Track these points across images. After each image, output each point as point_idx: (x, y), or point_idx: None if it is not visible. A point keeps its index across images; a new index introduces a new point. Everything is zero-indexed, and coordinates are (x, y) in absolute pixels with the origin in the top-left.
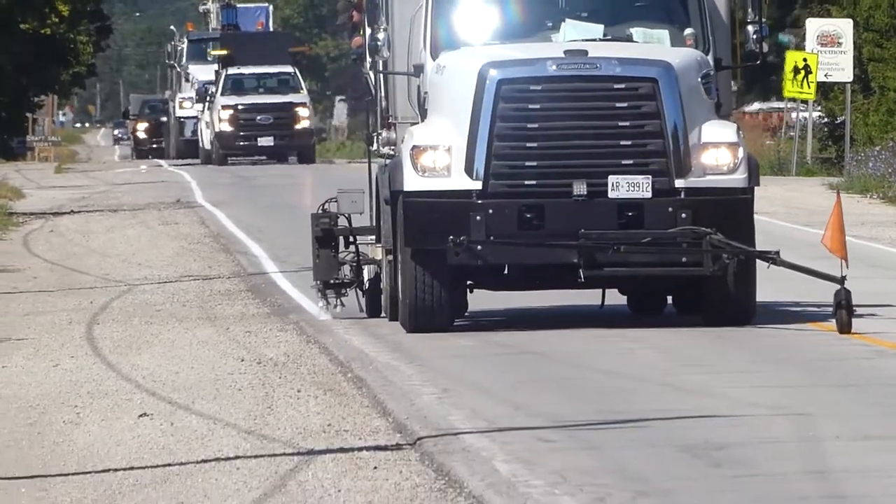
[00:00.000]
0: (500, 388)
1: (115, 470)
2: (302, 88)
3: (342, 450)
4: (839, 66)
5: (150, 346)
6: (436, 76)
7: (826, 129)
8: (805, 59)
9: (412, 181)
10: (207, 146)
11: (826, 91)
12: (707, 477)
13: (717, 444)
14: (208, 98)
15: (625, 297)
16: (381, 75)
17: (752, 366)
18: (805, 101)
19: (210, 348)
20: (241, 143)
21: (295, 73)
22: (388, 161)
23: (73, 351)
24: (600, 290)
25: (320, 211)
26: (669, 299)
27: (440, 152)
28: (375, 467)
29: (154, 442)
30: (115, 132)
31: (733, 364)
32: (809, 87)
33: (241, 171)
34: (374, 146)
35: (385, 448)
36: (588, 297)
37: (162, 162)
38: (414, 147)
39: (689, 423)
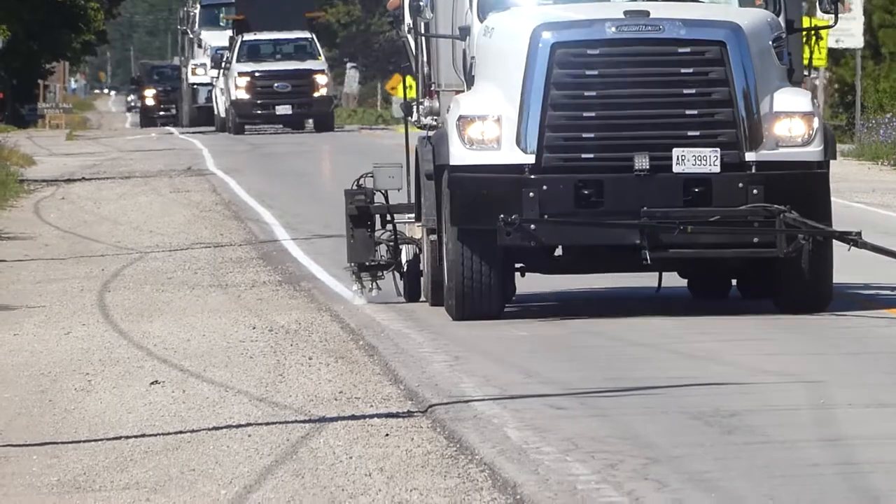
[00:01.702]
0: (511, 355)
1: (127, 437)
2: (320, 55)
3: (353, 417)
4: (850, 33)
5: (161, 314)
6: (483, 39)
7: (837, 97)
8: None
9: (459, 154)
10: (223, 114)
11: (837, 58)
12: (718, 444)
13: (729, 412)
14: (223, 65)
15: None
16: (423, 39)
17: (765, 333)
18: (816, 69)
19: (221, 316)
20: (259, 112)
21: (312, 39)
22: (429, 133)
23: (84, 318)
24: (656, 272)
25: (355, 187)
26: (734, 282)
27: (489, 123)
28: (387, 434)
29: (165, 409)
30: (129, 99)
31: (745, 331)
32: (820, 53)
33: (253, 139)
34: (414, 116)
35: (396, 415)
36: (638, 280)
37: (173, 129)
38: (460, 117)
39: (700, 391)
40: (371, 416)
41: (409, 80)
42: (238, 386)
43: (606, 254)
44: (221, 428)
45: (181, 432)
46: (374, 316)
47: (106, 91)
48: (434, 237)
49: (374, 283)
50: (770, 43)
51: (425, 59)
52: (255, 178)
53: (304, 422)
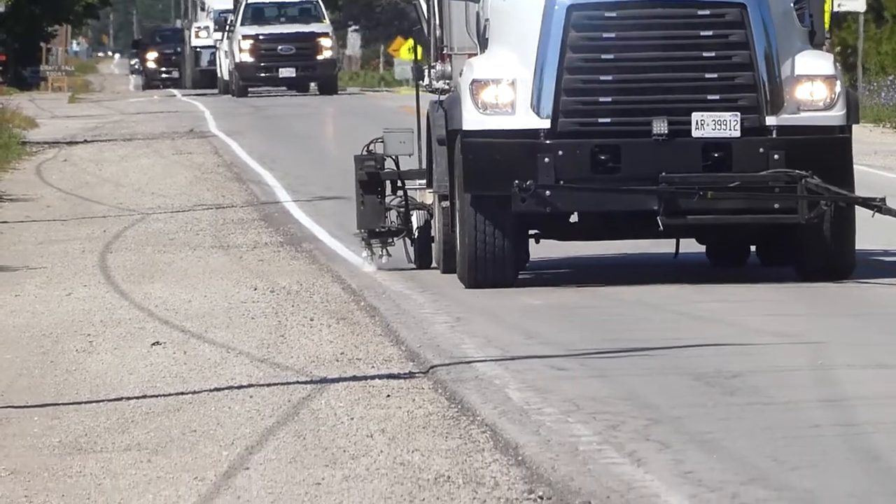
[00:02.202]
0: (512, 316)
1: (128, 398)
2: (324, 18)
3: (355, 378)
4: None
5: (162, 275)
6: (498, 1)
7: (839, 59)
8: None
9: (472, 119)
10: (226, 77)
11: (839, 21)
12: (720, 405)
13: (731, 373)
14: (227, 27)
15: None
16: (435, 1)
17: (766, 294)
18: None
19: (223, 277)
20: (262, 74)
21: (317, 1)
22: (441, 97)
23: (85, 280)
24: (674, 238)
25: (365, 152)
26: (753, 248)
27: (503, 87)
28: (388, 395)
29: (167, 370)
30: (132, 62)
31: (748, 293)
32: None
33: (256, 102)
34: (426, 80)
35: (398, 376)
36: (655, 245)
37: (175, 91)
38: (474, 81)
39: (702, 352)
40: (372, 378)
41: (411, 42)
42: (239, 347)
43: (623, 220)
44: (223, 389)
45: (182, 393)
46: (375, 277)
47: (109, 54)
48: (446, 203)
49: (384, 250)
50: (791, 5)
51: (437, 21)
52: (257, 140)
53: (305, 383)
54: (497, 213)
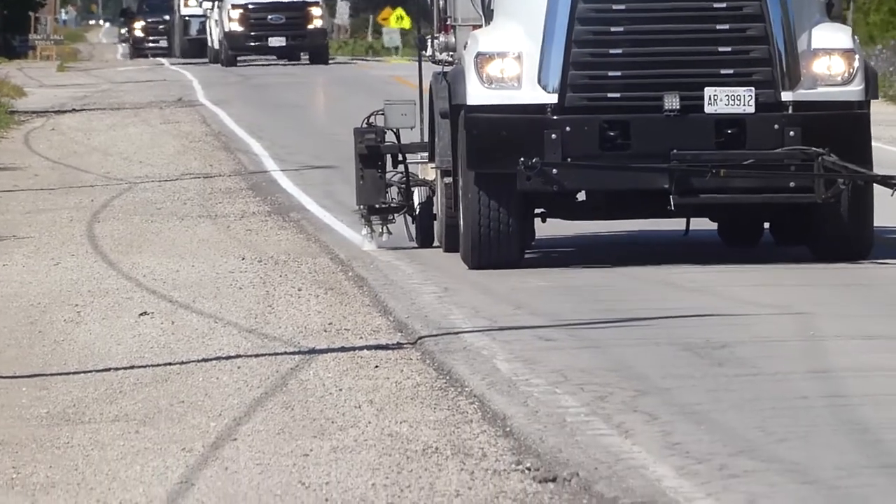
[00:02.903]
0: (500, 287)
1: (116, 369)
2: None
3: (343, 349)
4: None
5: (150, 245)
6: None
7: None
8: None
9: (477, 93)
10: (216, 46)
11: None
12: (708, 376)
13: (719, 343)
14: None
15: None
16: None
17: (755, 264)
18: None
19: (211, 247)
20: (252, 44)
21: None
22: (445, 68)
23: (73, 249)
24: (685, 217)
25: (364, 125)
26: (766, 226)
27: (509, 60)
28: (376, 366)
29: (154, 340)
30: (121, 31)
31: (736, 262)
32: None
33: (244, 71)
34: (429, 51)
35: (386, 347)
36: (666, 222)
37: (164, 61)
38: (479, 54)
39: (690, 322)
40: (360, 348)
41: (400, 11)
42: (227, 317)
43: (633, 199)
44: (211, 360)
45: (170, 364)
46: (363, 247)
47: (100, 22)
48: (449, 179)
49: (384, 227)
50: None
51: None
52: (245, 109)
53: (293, 353)
54: (502, 192)
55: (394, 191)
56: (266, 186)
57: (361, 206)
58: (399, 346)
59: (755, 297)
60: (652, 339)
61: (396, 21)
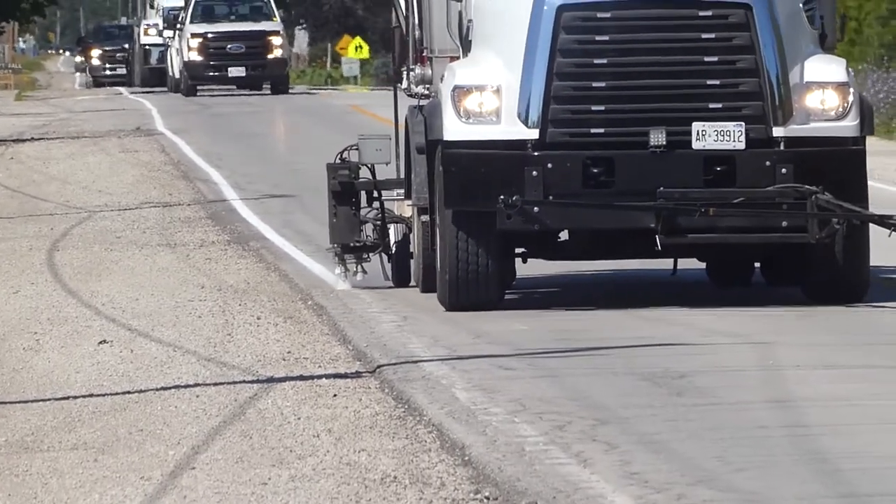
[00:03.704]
0: (459, 316)
1: (75, 397)
2: (275, 16)
3: (302, 377)
4: None
5: (110, 273)
6: (482, 2)
7: None
8: None
9: (454, 128)
10: (177, 75)
11: None
12: (667, 405)
13: (678, 373)
14: (178, 25)
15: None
16: (414, 0)
17: (714, 294)
18: None
19: (170, 275)
20: (211, 73)
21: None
22: (421, 102)
23: (33, 277)
24: (672, 258)
25: (338, 160)
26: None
27: (488, 94)
28: (335, 395)
29: (113, 369)
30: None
31: (695, 292)
32: None
33: (203, 100)
34: (404, 84)
35: (345, 376)
36: (655, 262)
37: (122, 90)
38: (456, 87)
39: (650, 352)
40: (319, 377)
41: (358, 40)
42: (186, 346)
43: (618, 239)
44: (169, 388)
45: (129, 392)
46: (322, 276)
47: (60, 51)
48: (426, 217)
49: (359, 267)
50: (800, 5)
51: (416, 21)
52: (204, 138)
53: (252, 382)
54: (480, 231)
55: (369, 228)
56: (225, 215)
57: (335, 245)
58: (358, 374)
59: (715, 327)
60: (611, 369)
61: (355, 51)
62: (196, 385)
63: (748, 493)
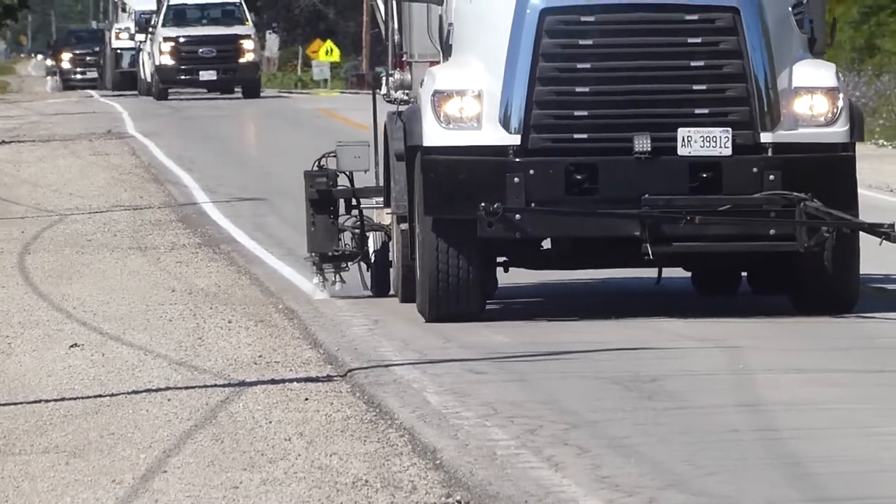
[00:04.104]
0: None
1: (46, 401)
2: (247, 20)
3: (273, 381)
4: None
5: (81, 276)
6: (463, 4)
7: None
8: None
9: (434, 134)
10: (149, 78)
11: None
12: (638, 409)
13: (649, 377)
14: (150, 29)
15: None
16: (393, 2)
17: (684, 298)
18: None
19: (141, 278)
20: (183, 77)
21: (240, 3)
22: (401, 108)
23: (3, 281)
24: (655, 267)
25: (316, 167)
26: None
27: (468, 99)
28: (306, 399)
29: (85, 373)
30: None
31: (665, 297)
32: None
33: (174, 103)
34: (384, 90)
35: (316, 380)
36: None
37: (93, 93)
38: (436, 92)
39: (620, 356)
40: (290, 381)
41: (329, 44)
42: (157, 349)
43: (601, 247)
44: (140, 392)
45: (100, 396)
46: (293, 279)
47: (32, 55)
48: (405, 226)
49: (337, 276)
50: (789, 9)
51: (396, 25)
52: (175, 141)
53: (223, 386)
54: (461, 239)
55: (347, 237)
56: (196, 218)
57: (313, 254)
58: (329, 378)
59: (685, 331)
60: (582, 373)
61: (326, 54)
62: (167, 389)
63: (719, 496)
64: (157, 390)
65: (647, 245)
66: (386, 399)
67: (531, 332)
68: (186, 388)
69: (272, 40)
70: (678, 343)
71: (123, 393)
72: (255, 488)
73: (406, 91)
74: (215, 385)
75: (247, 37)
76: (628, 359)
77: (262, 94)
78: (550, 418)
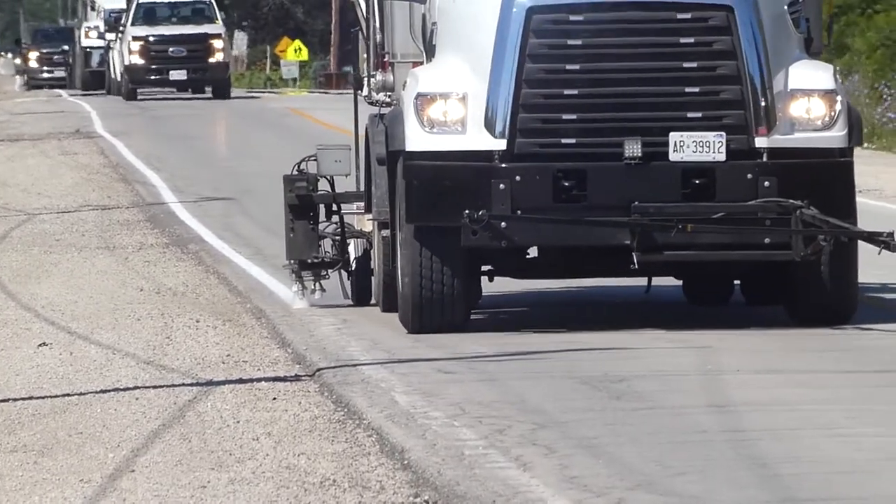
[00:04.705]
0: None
1: (15, 400)
2: (217, 19)
3: (241, 381)
4: None
5: (49, 276)
6: (447, 2)
7: None
8: None
9: (417, 138)
10: (118, 78)
11: None
12: (607, 409)
13: (618, 377)
14: (119, 28)
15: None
16: (375, 1)
17: (653, 298)
18: None
19: (109, 278)
20: (152, 77)
21: (210, 2)
22: (382, 110)
23: None
24: (646, 276)
25: (295, 172)
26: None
27: (453, 102)
28: (274, 398)
29: (53, 372)
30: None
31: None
32: None
33: (143, 103)
34: (365, 91)
35: (284, 379)
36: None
37: (62, 92)
38: (419, 95)
39: (589, 356)
40: (258, 380)
41: (298, 43)
42: (125, 348)
43: (590, 256)
44: (109, 391)
45: (69, 395)
46: (261, 279)
47: (1, 53)
48: (387, 232)
49: (317, 284)
50: (785, 8)
51: (378, 24)
52: (144, 141)
53: (191, 385)
54: (445, 247)
55: (328, 244)
56: (164, 218)
57: (292, 261)
58: (297, 378)
59: (653, 331)
60: (550, 373)
61: (294, 53)
62: (135, 388)
63: (688, 497)
64: (125, 389)
65: (638, 253)
66: (354, 399)
67: (504, 336)
68: (155, 387)
69: (241, 39)
70: (648, 344)
71: (92, 392)
72: (222, 488)
73: (388, 93)
74: (183, 384)
75: (217, 36)
76: (597, 359)
77: (232, 94)
78: (519, 418)
